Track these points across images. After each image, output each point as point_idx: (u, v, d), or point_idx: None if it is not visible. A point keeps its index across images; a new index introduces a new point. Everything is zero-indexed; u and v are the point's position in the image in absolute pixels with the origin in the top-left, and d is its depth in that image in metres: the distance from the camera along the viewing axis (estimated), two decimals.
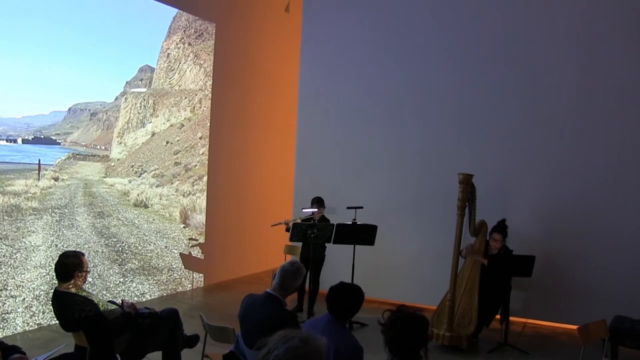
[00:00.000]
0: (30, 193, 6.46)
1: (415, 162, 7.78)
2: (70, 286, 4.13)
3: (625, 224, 6.67)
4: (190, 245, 8.47)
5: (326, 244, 6.97)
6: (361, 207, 6.81)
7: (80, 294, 4.15)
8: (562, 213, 6.96)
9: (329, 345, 2.12)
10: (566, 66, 6.99)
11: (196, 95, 8.73)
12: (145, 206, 7.94)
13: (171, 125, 8.48)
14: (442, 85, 7.67)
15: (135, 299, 7.30)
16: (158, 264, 7.91)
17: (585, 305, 6.61)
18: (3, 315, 5.95)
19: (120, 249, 7.42)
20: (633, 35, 6.69)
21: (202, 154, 8.71)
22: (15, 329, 6.03)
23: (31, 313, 6.19)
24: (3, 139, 6.48)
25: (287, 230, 6.81)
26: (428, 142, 7.72)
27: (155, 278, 7.84)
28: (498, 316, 6.32)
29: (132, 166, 7.93)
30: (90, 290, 4.83)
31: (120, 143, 7.84)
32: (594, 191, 6.84)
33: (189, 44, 8.60)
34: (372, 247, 6.82)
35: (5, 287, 6.02)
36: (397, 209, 7.81)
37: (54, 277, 4.30)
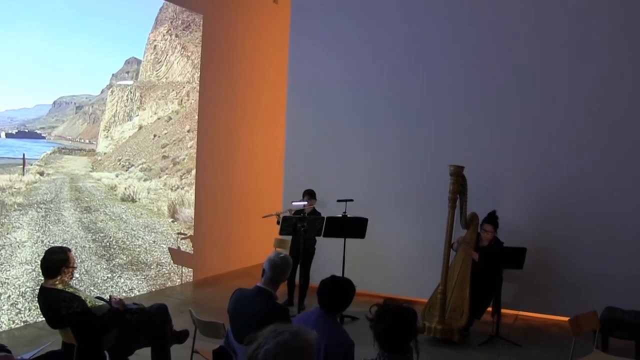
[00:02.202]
0: (14, 188, 6.36)
1: (406, 154, 7.75)
2: (57, 282, 4.06)
3: (616, 216, 6.69)
4: (179, 238, 8.40)
5: (316, 237, 6.94)
6: (351, 200, 6.77)
7: (67, 290, 4.09)
8: (553, 205, 6.96)
9: (319, 339, 2.10)
10: (557, 59, 6.97)
11: (184, 87, 8.65)
12: (133, 200, 7.87)
13: (159, 119, 8.39)
14: (434, 76, 7.64)
15: (124, 294, 7.25)
16: (146, 259, 7.85)
17: (576, 297, 6.61)
18: None
19: (107, 244, 7.34)
20: (625, 29, 6.69)
21: (190, 147, 8.64)
22: (1, 327, 5.96)
23: (17, 310, 6.11)
24: None
25: (278, 222, 6.76)
26: (419, 134, 7.70)
27: (144, 273, 7.77)
28: (490, 309, 6.32)
29: (119, 160, 7.84)
30: (77, 287, 4.77)
31: (107, 137, 7.74)
32: (585, 184, 6.85)
33: (176, 36, 8.51)
34: (363, 240, 6.79)
35: None
36: (388, 202, 7.78)
37: (40, 274, 4.23)
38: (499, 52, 7.26)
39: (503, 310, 6.35)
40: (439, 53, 7.62)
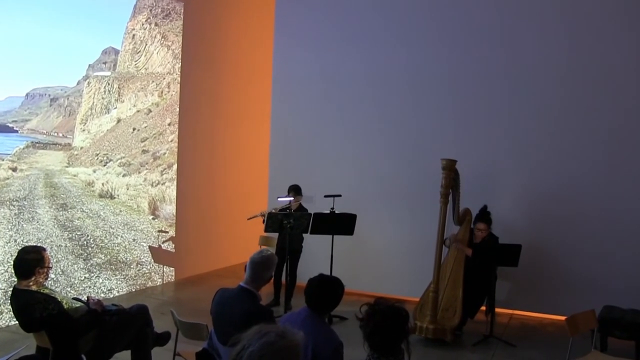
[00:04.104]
0: None
1: (397, 147, 7.68)
2: (31, 283, 4.00)
3: (612, 212, 6.63)
4: (160, 237, 8.29)
5: (303, 234, 6.88)
6: (339, 195, 6.69)
7: (41, 291, 4.02)
8: (548, 200, 6.92)
9: (306, 340, 2.14)
10: (553, 53, 6.92)
11: (164, 79, 8.55)
12: (112, 197, 7.75)
13: (138, 111, 8.29)
14: (425, 70, 7.57)
15: (102, 295, 7.16)
16: (126, 258, 7.74)
17: (573, 295, 6.56)
18: None
19: (85, 242, 7.22)
20: (620, 21, 6.63)
21: (171, 141, 8.54)
22: None
23: None
24: None
25: (264, 222, 6.66)
26: (410, 127, 7.62)
27: (123, 273, 7.66)
28: (483, 307, 6.25)
29: (97, 155, 7.73)
30: (53, 288, 4.68)
31: (84, 130, 7.63)
32: (580, 178, 6.80)
33: (156, 25, 8.39)
34: (352, 237, 6.76)
35: None
36: (378, 197, 7.70)
37: (13, 275, 4.20)
38: (495, 45, 7.19)
39: (497, 309, 6.30)
40: (429, 45, 7.54)
